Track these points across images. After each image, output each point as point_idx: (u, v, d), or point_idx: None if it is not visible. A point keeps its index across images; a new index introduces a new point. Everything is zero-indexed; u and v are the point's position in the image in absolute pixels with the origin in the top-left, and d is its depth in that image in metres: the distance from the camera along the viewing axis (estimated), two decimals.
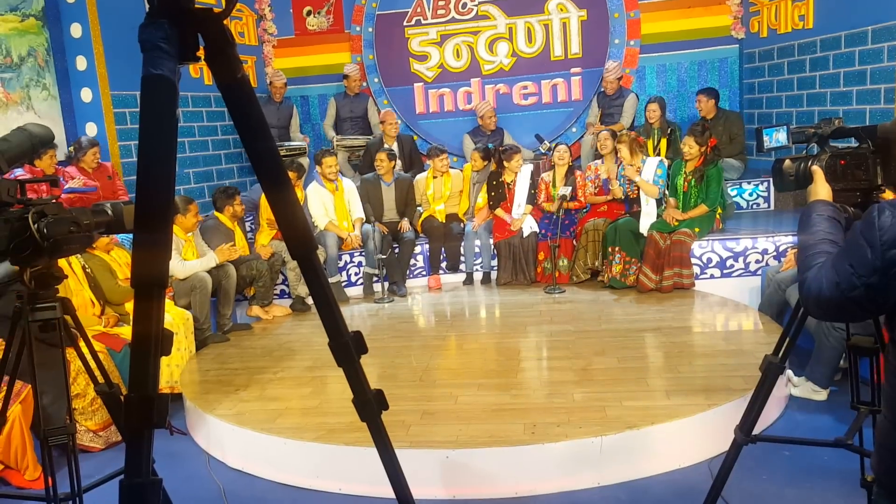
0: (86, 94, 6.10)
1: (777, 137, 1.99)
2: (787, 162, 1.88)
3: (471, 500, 3.26)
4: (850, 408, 2.07)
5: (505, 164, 6.67)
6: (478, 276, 6.69)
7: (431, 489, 3.27)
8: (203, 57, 0.87)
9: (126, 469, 0.76)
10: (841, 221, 1.57)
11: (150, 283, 0.76)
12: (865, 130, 1.72)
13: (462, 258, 6.70)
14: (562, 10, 8.23)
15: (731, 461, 2.04)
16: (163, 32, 0.77)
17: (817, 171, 1.72)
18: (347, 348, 0.96)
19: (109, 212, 2.04)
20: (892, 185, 1.72)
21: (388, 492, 3.29)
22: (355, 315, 6.02)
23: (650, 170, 5.99)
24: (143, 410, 0.76)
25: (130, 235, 5.37)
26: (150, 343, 0.76)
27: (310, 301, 6.24)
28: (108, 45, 6.11)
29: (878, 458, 1.36)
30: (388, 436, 1.01)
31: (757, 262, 5.78)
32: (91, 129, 6.13)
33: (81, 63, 6.06)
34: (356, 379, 0.97)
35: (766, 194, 7.14)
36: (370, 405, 0.99)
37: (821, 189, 1.71)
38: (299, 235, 0.92)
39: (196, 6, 0.83)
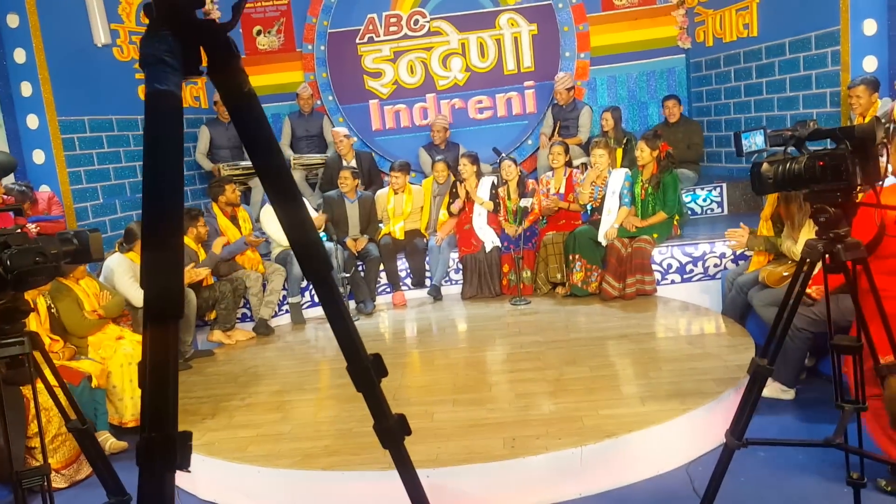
0: (32, 121, 5.90)
1: (755, 141, 2.01)
2: (766, 165, 1.90)
3: None
4: (834, 407, 2.09)
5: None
6: (443, 289, 6.65)
7: None
8: (206, 71, 0.83)
9: None
10: None
11: (165, 312, 0.71)
12: (843, 132, 1.75)
13: (427, 273, 6.67)
14: (513, 24, 8.31)
15: (723, 466, 2.04)
16: (167, 45, 0.72)
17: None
18: (368, 373, 0.91)
19: (75, 241, 1.94)
20: (871, 184, 1.75)
21: None
22: (321, 336, 5.92)
23: (618, 181, 6.05)
24: (166, 451, 0.70)
25: (96, 265, 5.21)
26: (167, 376, 0.71)
27: (273, 323, 6.13)
28: (53, 71, 5.93)
29: None
30: (412, 462, 0.96)
31: (715, 265, 5.87)
32: (38, 157, 5.93)
33: (26, 89, 5.87)
34: (377, 404, 0.92)
35: (719, 199, 7.29)
36: (392, 431, 0.94)
37: None
38: (314, 255, 0.88)
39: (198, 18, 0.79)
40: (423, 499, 0.96)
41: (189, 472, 0.82)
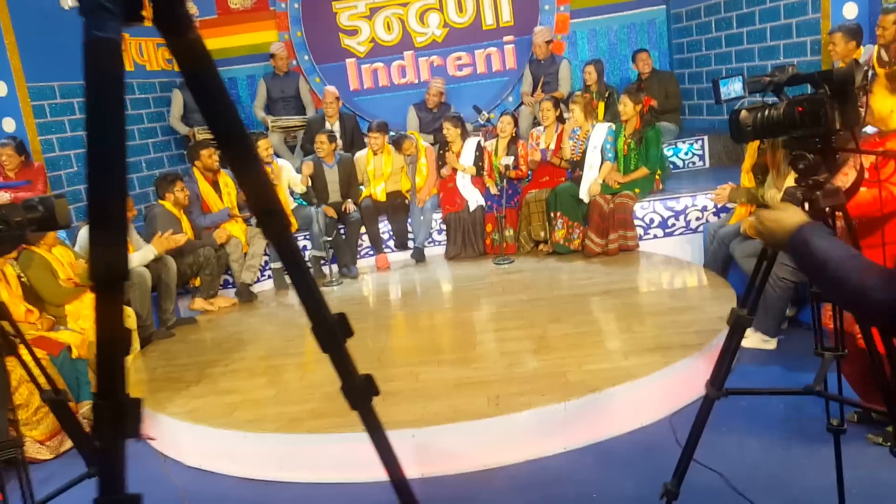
0: (0, 89, 5.74)
1: (733, 88, 1.98)
2: (744, 112, 1.87)
3: (440, 478, 3.23)
4: (813, 354, 2.10)
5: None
6: (427, 250, 6.62)
7: None
8: (151, 18, 0.78)
9: (101, 486, 0.68)
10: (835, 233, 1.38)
11: (111, 276, 0.67)
12: (821, 76, 1.72)
13: (410, 234, 6.63)
14: None
15: (704, 417, 2.05)
16: None
17: (782, 204, 1.53)
18: (333, 333, 0.89)
19: (40, 207, 1.89)
20: (850, 129, 1.73)
21: (354, 476, 3.25)
22: None
23: (600, 135, 6.01)
24: (116, 419, 0.67)
25: (70, 232, 5.13)
26: (115, 342, 0.68)
27: (256, 289, 6.09)
28: (20, 36, 5.75)
29: None
30: (382, 422, 0.94)
31: (697, 219, 5.87)
32: (8, 125, 5.78)
33: None
34: (343, 365, 0.89)
35: (701, 152, 7.27)
36: (360, 392, 0.92)
37: (794, 213, 1.45)
38: (273, 215, 0.84)
39: None
40: (395, 459, 0.94)
41: (153, 438, 0.79)
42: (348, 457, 3.26)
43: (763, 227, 1.49)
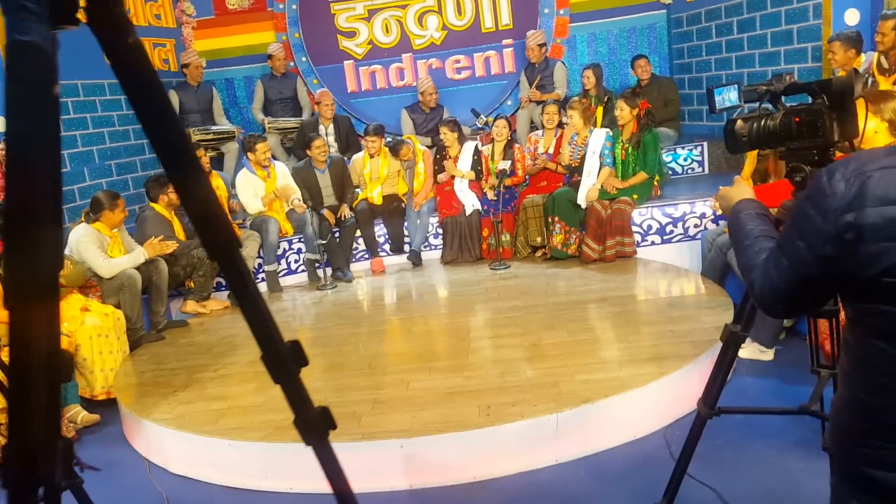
0: None
1: (728, 97, 1.92)
2: (740, 122, 1.81)
3: (429, 489, 3.16)
4: (809, 372, 2.03)
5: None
6: (423, 255, 6.55)
7: (388, 481, 3.16)
8: (86, 21, 0.72)
9: None
10: (769, 216, 1.47)
11: (29, 293, 0.61)
12: (819, 85, 1.66)
13: (406, 238, 6.57)
14: None
15: (695, 436, 1.98)
16: None
17: (737, 179, 1.68)
18: (285, 363, 0.82)
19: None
20: (849, 140, 1.66)
21: None
22: (298, 304, 5.84)
23: (599, 141, 5.94)
24: (26, 466, 0.60)
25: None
26: (29, 372, 0.60)
27: None
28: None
29: (832, 435, 1.27)
30: (338, 459, 0.88)
31: (696, 226, 5.80)
32: None
33: None
34: (297, 397, 0.83)
35: (700, 158, 7.20)
36: (316, 426, 0.85)
37: (741, 190, 1.60)
38: (218, 232, 0.78)
39: None
40: (353, 500, 0.87)
41: (97, 469, 0.72)
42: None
43: (719, 202, 1.72)
